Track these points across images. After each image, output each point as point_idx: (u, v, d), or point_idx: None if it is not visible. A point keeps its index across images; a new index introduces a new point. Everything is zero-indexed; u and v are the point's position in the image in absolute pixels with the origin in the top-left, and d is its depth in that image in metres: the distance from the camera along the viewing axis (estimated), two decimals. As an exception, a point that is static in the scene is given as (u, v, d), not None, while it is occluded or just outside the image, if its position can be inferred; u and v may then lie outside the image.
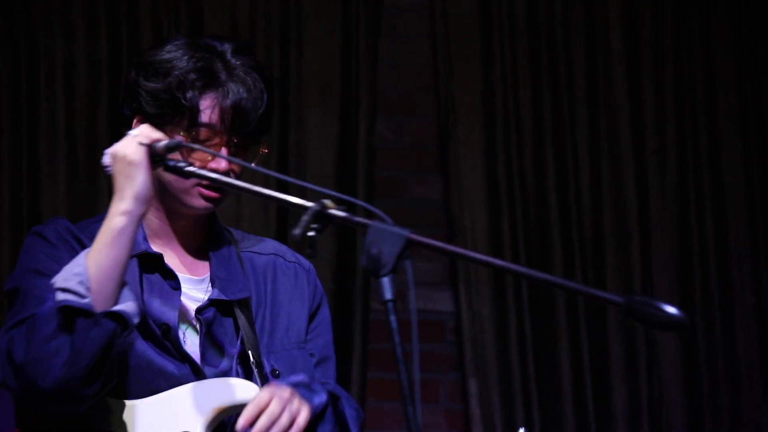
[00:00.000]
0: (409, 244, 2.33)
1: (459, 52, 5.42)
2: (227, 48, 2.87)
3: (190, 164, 2.73)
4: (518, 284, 5.29)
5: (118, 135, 5.02)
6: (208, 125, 2.81)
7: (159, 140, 2.70)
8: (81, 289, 2.63)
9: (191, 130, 2.80)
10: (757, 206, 5.45)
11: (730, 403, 5.31)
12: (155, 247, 2.88)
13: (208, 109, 2.82)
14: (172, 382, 2.77)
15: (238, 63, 2.85)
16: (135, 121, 2.85)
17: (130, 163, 2.68)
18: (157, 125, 2.80)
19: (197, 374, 2.79)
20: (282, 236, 4.96)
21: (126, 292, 2.72)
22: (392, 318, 2.30)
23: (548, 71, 5.44)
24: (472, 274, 5.29)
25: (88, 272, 2.65)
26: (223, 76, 2.83)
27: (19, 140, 5.03)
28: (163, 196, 2.86)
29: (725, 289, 5.39)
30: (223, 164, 2.80)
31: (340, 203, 2.51)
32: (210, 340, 2.85)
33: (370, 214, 2.42)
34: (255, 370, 2.84)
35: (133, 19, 5.13)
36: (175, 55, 2.85)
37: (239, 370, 2.85)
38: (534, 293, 5.29)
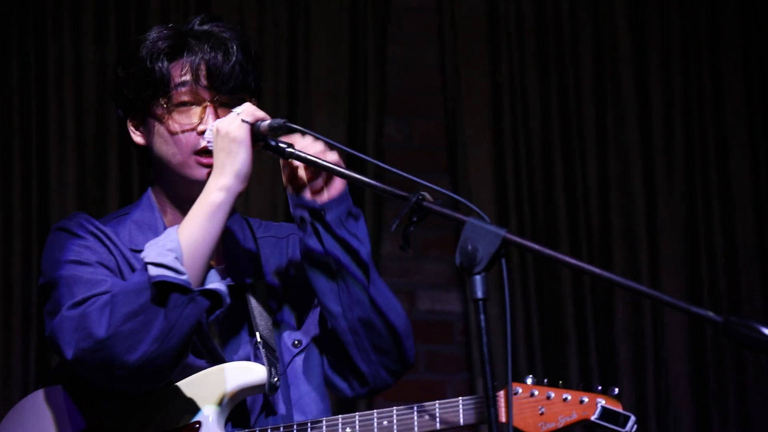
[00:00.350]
0: (506, 243, 2.31)
1: (467, 53, 5.43)
2: (195, 20, 2.91)
3: (290, 145, 2.73)
4: (526, 285, 5.29)
5: (127, 137, 5.09)
6: (182, 84, 2.82)
7: (263, 119, 2.72)
8: (177, 265, 2.63)
9: (169, 95, 2.81)
10: (764, 206, 5.44)
11: (737, 404, 5.31)
12: None
13: (182, 73, 2.83)
14: (189, 373, 2.78)
15: (205, 27, 2.88)
16: (128, 123, 2.90)
17: (233, 140, 2.70)
18: (142, 110, 2.84)
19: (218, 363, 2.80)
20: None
21: (212, 272, 2.75)
22: (482, 317, 2.28)
23: (556, 71, 5.44)
24: (480, 275, 5.28)
25: (182, 248, 2.65)
26: (191, 41, 2.84)
27: (28, 142, 5.04)
28: (171, 183, 2.88)
29: (733, 289, 5.38)
30: (209, 121, 2.80)
31: (436, 197, 2.50)
32: (228, 328, 2.86)
33: (468, 210, 2.40)
34: (263, 351, 2.82)
35: (142, 23, 5.14)
36: (143, 37, 2.89)
37: (257, 354, 2.84)
38: (542, 294, 5.29)
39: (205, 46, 2.83)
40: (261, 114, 2.73)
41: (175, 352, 2.62)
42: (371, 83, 5.32)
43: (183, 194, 2.87)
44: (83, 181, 5.05)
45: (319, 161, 2.71)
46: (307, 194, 2.80)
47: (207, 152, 2.80)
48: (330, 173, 2.75)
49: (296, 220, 2.83)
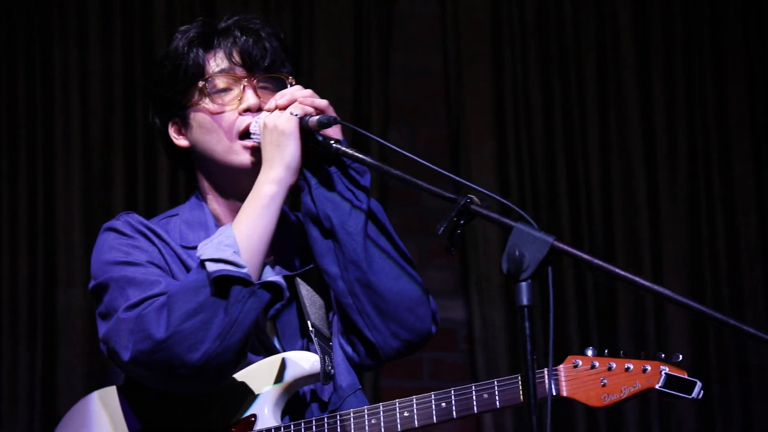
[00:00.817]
0: (553, 251, 2.28)
1: (470, 59, 5.43)
2: (223, 18, 2.90)
3: (338, 141, 2.69)
4: (529, 291, 5.29)
5: (133, 144, 5.10)
6: (219, 71, 2.81)
7: (310, 114, 2.70)
8: (237, 259, 2.60)
9: (207, 81, 2.80)
10: (767, 210, 5.45)
11: (741, 409, 5.31)
12: None
13: (217, 61, 2.82)
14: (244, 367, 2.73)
15: (235, 18, 2.87)
16: (170, 129, 2.87)
17: (282, 133, 2.68)
18: (181, 107, 2.82)
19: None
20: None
21: (267, 268, 2.72)
22: (526, 324, 2.26)
23: (558, 76, 5.45)
24: (483, 283, 5.30)
25: (238, 243, 2.63)
26: (221, 31, 2.84)
27: (34, 150, 5.05)
28: (218, 177, 2.85)
29: (736, 292, 5.39)
30: (250, 101, 2.79)
31: (483, 200, 2.48)
32: (281, 319, 2.81)
33: (516, 215, 2.37)
34: (316, 340, 2.77)
35: (147, 32, 5.15)
36: (173, 37, 2.88)
37: (310, 343, 2.79)
38: (545, 300, 5.29)
39: (236, 32, 2.82)
40: (310, 109, 2.71)
41: (237, 349, 2.59)
42: (375, 90, 5.33)
43: (231, 188, 2.84)
44: (89, 188, 5.06)
45: (367, 159, 2.67)
46: None
47: (250, 136, 2.78)
48: (376, 171, 2.71)
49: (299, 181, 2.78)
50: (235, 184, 2.82)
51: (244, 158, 2.79)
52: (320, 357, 2.72)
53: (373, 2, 5.37)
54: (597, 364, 2.65)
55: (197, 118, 2.83)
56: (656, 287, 2.31)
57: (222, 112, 2.80)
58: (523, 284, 2.27)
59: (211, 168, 2.84)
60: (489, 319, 5.29)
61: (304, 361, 2.72)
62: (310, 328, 2.77)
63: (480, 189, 2.51)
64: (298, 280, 2.82)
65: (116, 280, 2.68)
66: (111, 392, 2.81)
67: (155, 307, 2.59)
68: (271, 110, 2.74)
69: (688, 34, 5.51)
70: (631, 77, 5.48)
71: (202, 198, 2.89)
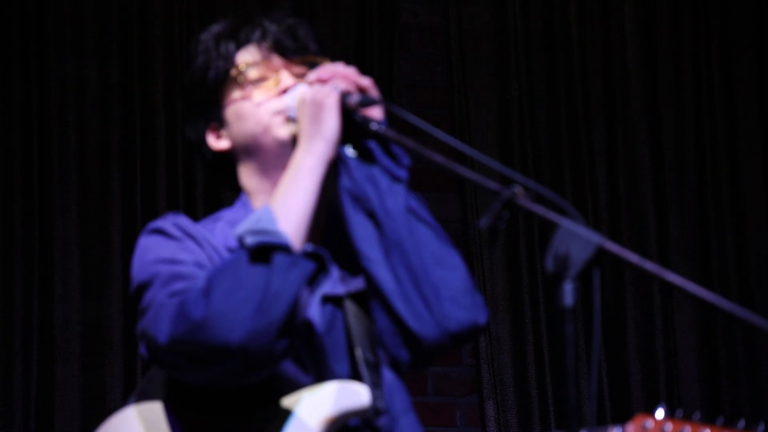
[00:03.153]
0: (601, 251, 2.19)
1: (474, 70, 5.42)
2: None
3: (379, 122, 2.60)
4: (535, 305, 5.26)
5: (131, 156, 5.06)
6: (253, 63, 2.73)
7: (352, 92, 2.60)
8: (275, 228, 2.48)
9: (241, 74, 2.72)
10: (777, 223, 5.44)
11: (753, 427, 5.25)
12: None
13: (250, 51, 2.75)
14: (288, 389, 2.58)
15: (264, 16, 2.81)
16: (209, 131, 2.80)
17: (321, 106, 2.58)
18: (218, 105, 2.76)
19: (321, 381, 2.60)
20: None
21: (334, 277, 2.61)
22: (569, 327, 2.17)
23: (564, 88, 5.43)
24: (489, 295, 5.27)
25: (277, 215, 2.51)
26: (248, 27, 2.78)
27: (30, 161, 5.02)
28: (261, 164, 2.74)
29: (746, 306, 5.32)
30: (287, 82, 2.72)
31: (530, 192, 2.36)
32: (334, 337, 2.65)
33: (562, 211, 2.24)
34: (364, 368, 2.61)
35: (145, 40, 5.13)
36: (200, 42, 2.82)
37: (358, 371, 2.62)
38: (551, 314, 5.26)
39: (264, 23, 2.76)
40: (352, 86, 2.62)
41: (280, 327, 2.41)
42: (378, 101, 5.30)
43: (275, 173, 2.69)
44: (85, 200, 5.02)
45: (408, 142, 2.57)
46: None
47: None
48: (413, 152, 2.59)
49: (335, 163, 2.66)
50: (278, 165, 2.68)
51: (283, 131, 2.68)
52: (371, 388, 2.57)
53: (376, 13, 5.35)
54: (670, 428, 2.42)
55: (234, 111, 2.74)
56: (709, 294, 2.22)
57: (263, 98, 2.71)
58: (568, 284, 2.15)
59: (254, 156, 2.73)
60: (494, 333, 5.26)
61: (354, 394, 2.54)
62: (359, 355, 2.61)
63: (526, 182, 2.38)
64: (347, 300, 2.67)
65: (161, 276, 2.56)
66: (153, 406, 2.66)
67: (196, 291, 2.45)
68: (311, 83, 2.65)
69: (696, 45, 5.51)
70: (637, 89, 5.46)
71: (248, 199, 2.77)
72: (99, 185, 5.03)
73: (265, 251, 2.45)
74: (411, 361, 2.64)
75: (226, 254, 2.65)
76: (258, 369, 2.48)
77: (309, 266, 2.48)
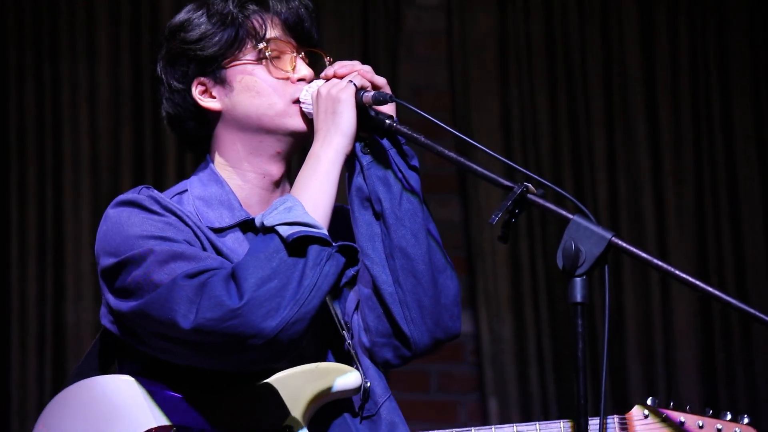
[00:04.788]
0: (611, 247, 2.19)
1: (476, 75, 5.44)
2: None
3: (392, 117, 2.61)
4: (537, 304, 5.29)
5: (141, 158, 5.10)
6: (274, 36, 2.69)
7: (367, 89, 2.61)
8: (313, 221, 2.46)
9: (263, 44, 2.67)
10: (775, 226, 5.45)
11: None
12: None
13: (271, 25, 2.70)
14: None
15: None
16: (196, 83, 2.70)
17: (337, 100, 2.58)
18: (220, 67, 2.68)
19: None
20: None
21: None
22: (579, 321, 2.17)
23: (565, 93, 5.45)
24: (491, 295, 5.30)
25: (306, 207, 2.49)
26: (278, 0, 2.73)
27: (43, 165, 5.06)
28: (254, 142, 2.69)
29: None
30: (304, 71, 2.69)
31: (539, 188, 2.37)
32: (323, 320, 2.64)
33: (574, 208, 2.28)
34: (353, 351, 2.65)
35: (155, 47, 5.16)
36: (205, 2, 2.75)
37: (348, 353, 2.65)
38: (553, 313, 5.29)
39: (283, 5, 2.71)
40: (367, 83, 2.62)
41: (312, 316, 2.42)
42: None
43: (267, 158, 2.68)
44: (98, 204, 5.06)
45: (421, 139, 2.58)
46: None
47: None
48: (426, 149, 2.59)
49: (347, 162, 2.65)
50: (271, 151, 2.68)
51: (299, 122, 2.66)
52: (358, 370, 2.61)
53: (381, 19, 5.39)
54: (668, 416, 2.51)
55: (245, 80, 2.68)
56: (714, 290, 2.29)
57: (279, 78, 2.67)
58: (578, 280, 2.17)
59: (249, 133, 2.68)
60: (497, 332, 5.28)
61: (344, 375, 2.57)
62: (347, 340, 2.66)
63: (537, 177, 2.40)
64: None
65: (157, 254, 2.46)
66: (125, 381, 2.57)
67: (221, 277, 2.42)
68: (328, 78, 2.66)
69: (694, 50, 5.51)
70: (637, 93, 5.47)
71: (219, 171, 2.72)
72: (110, 188, 5.08)
73: (303, 242, 2.44)
74: (391, 362, 2.68)
75: (210, 235, 2.60)
76: (282, 358, 2.49)
77: (341, 260, 2.48)
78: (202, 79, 2.71)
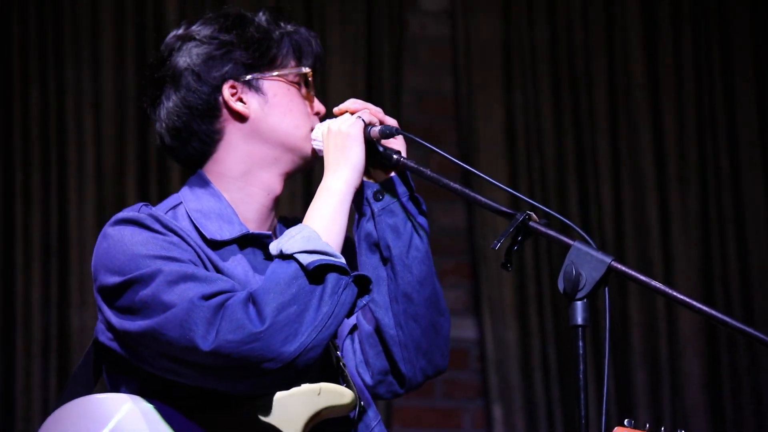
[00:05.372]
0: (611, 271, 2.27)
1: (481, 81, 5.45)
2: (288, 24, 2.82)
3: (399, 152, 2.67)
4: (542, 311, 5.30)
5: (146, 166, 5.11)
6: (311, 65, 2.75)
7: (374, 124, 2.67)
8: (332, 250, 2.51)
9: (313, 71, 2.75)
10: (779, 232, 5.46)
11: (756, 428, 5.29)
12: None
13: (309, 55, 2.77)
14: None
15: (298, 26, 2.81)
16: (227, 85, 2.70)
17: (347, 136, 2.63)
18: (259, 78, 2.71)
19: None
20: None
21: None
22: (580, 344, 2.26)
23: (570, 99, 5.46)
24: (495, 301, 5.30)
25: (324, 238, 2.53)
26: (303, 32, 2.78)
27: (48, 171, 5.08)
28: (270, 157, 2.72)
29: (748, 315, 5.37)
30: (321, 107, 2.77)
31: (542, 217, 2.45)
32: None
33: (574, 234, 2.35)
34: (347, 372, 2.70)
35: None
36: (256, 16, 2.77)
37: (342, 374, 2.69)
38: (558, 320, 5.29)
39: (313, 40, 2.78)
40: (375, 119, 2.68)
41: (327, 343, 2.48)
42: (386, 111, 5.27)
43: (277, 172, 2.72)
44: (102, 210, 5.07)
45: (427, 173, 2.64)
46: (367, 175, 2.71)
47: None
48: (434, 183, 2.66)
49: (357, 205, 2.71)
50: (282, 170, 2.72)
51: (310, 148, 2.73)
52: (354, 393, 2.64)
53: (386, 25, 5.41)
54: None
55: (281, 96, 2.73)
56: (716, 313, 2.34)
57: (307, 105, 2.75)
58: (579, 303, 2.25)
59: (269, 146, 2.71)
60: (501, 339, 5.29)
61: (340, 395, 2.60)
62: (341, 363, 2.70)
63: (539, 206, 2.49)
64: None
65: (166, 274, 2.47)
66: (119, 400, 2.56)
67: (240, 300, 2.45)
68: (341, 112, 2.72)
69: (698, 56, 5.53)
70: (641, 99, 5.48)
71: (216, 184, 2.72)
72: (115, 195, 5.10)
73: (321, 270, 2.49)
74: (382, 397, 2.77)
75: (210, 253, 2.61)
76: (293, 383, 2.53)
77: (356, 289, 2.52)
78: (234, 82, 2.71)
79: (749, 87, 5.51)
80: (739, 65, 5.52)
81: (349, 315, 2.55)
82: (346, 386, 2.65)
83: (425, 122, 5.49)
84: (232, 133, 2.72)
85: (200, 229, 2.64)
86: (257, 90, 2.72)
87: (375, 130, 2.66)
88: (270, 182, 2.72)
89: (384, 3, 5.41)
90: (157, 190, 5.10)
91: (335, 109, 2.74)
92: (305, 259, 2.47)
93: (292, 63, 2.74)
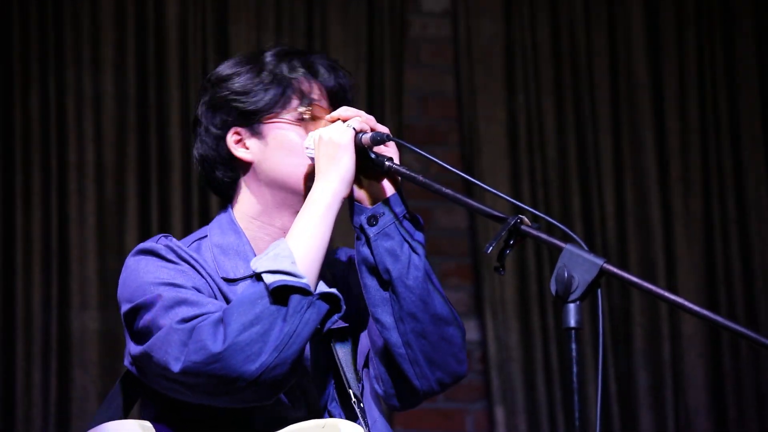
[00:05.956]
0: (603, 273, 2.28)
1: (483, 82, 5.45)
2: (310, 56, 2.86)
3: (390, 159, 2.67)
4: (544, 312, 5.30)
5: (146, 167, 5.11)
6: (317, 101, 2.77)
7: (365, 131, 2.67)
8: (295, 269, 2.54)
9: (309, 107, 2.75)
10: (783, 232, 5.46)
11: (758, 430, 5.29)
12: None
13: (317, 91, 2.78)
14: (283, 424, 2.65)
15: (317, 57, 2.85)
16: (231, 132, 2.78)
17: (337, 146, 2.64)
18: (258, 121, 2.75)
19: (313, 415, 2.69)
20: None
21: (321, 282, 2.63)
22: (573, 346, 2.28)
23: (572, 100, 5.47)
24: (498, 303, 5.30)
25: (294, 254, 2.57)
26: (317, 64, 2.81)
27: (48, 173, 5.07)
28: (277, 199, 2.76)
29: (751, 316, 5.38)
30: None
31: (534, 220, 2.45)
32: (315, 373, 2.73)
33: (566, 237, 2.36)
34: (356, 406, 2.72)
35: (161, 54, 5.18)
36: (262, 51, 2.82)
37: (346, 405, 2.73)
38: (559, 321, 5.28)
39: (327, 65, 2.81)
40: (367, 126, 2.67)
41: (294, 361, 2.52)
42: (388, 113, 5.35)
43: (289, 212, 2.75)
44: (102, 213, 5.07)
45: (419, 178, 2.64)
46: (364, 199, 2.72)
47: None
48: (423, 187, 2.65)
49: (355, 228, 2.72)
50: (292, 209, 2.75)
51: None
52: (363, 427, 2.66)
53: (387, 26, 5.41)
54: None
55: (279, 138, 2.77)
56: (710, 314, 2.33)
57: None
58: (571, 306, 2.27)
59: (274, 189, 2.77)
60: (504, 340, 5.29)
61: (349, 430, 2.61)
62: (352, 398, 2.72)
63: (532, 210, 2.50)
64: (339, 331, 2.76)
65: (164, 300, 2.59)
66: (138, 427, 2.66)
67: (210, 322, 2.52)
68: (333, 120, 2.72)
69: (701, 56, 5.53)
70: (644, 99, 5.49)
71: (235, 220, 2.81)
72: (115, 197, 5.09)
73: (284, 291, 2.53)
74: (398, 408, 2.77)
75: (222, 284, 2.70)
76: (269, 398, 2.58)
77: (324, 307, 2.56)
78: (238, 129, 2.78)
79: (752, 87, 5.52)
80: (743, 65, 5.53)
81: (320, 332, 2.60)
82: (361, 420, 2.68)
83: (427, 123, 5.49)
84: (246, 177, 2.81)
85: (217, 264, 2.74)
86: (258, 135, 2.78)
87: (366, 137, 2.66)
88: (285, 222, 2.76)
89: (385, 4, 5.41)
90: (157, 191, 5.10)
91: (327, 117, 2.75)
92: (269, 279, 2.54)
93: (294, 103, 2.77)
